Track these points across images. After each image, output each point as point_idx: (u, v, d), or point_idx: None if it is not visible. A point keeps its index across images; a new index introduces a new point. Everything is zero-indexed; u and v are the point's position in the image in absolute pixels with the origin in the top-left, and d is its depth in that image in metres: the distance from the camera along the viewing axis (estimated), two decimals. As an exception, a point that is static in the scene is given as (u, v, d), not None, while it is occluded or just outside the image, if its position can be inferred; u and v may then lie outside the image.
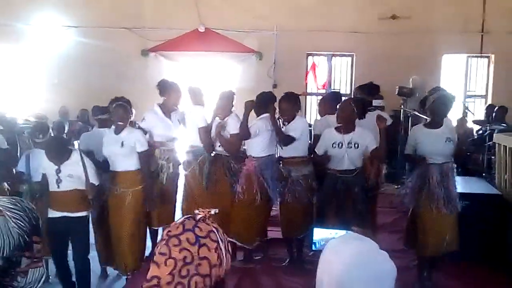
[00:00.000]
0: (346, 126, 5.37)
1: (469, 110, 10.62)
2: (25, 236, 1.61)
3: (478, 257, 5.84)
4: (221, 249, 1.57)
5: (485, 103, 11.98)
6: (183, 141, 6.30)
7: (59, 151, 4.86)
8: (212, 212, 1.61)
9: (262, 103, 6.02)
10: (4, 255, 1.56)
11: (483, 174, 8.20)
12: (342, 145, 5.32)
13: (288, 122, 5.77)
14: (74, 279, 5.15)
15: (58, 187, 4.89)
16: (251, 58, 12.24)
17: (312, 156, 5.78)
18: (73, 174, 4.89)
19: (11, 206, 1.63)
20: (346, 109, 5.39)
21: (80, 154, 5.00)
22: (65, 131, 7.49)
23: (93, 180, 5.01)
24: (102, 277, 5.90)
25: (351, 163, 5.34)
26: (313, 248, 3.95)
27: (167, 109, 6.11)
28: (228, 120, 5.89)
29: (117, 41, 12.08)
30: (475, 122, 10.26)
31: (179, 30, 12.16)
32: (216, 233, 1.58)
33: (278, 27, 12.10)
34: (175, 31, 12.15)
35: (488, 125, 9.16)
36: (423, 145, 5.26)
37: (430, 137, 5.22)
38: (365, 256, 2.01)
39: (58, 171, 4.85)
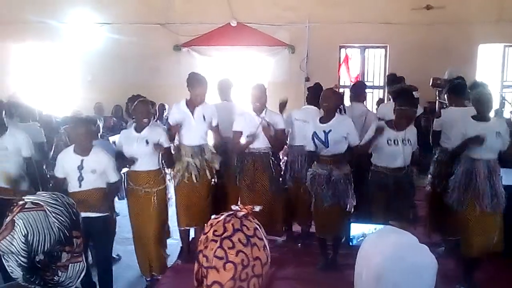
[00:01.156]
0: (404, 124, 5.14)
1: (506, 101, 10.39)
2: (65, 231, 1.63)
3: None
4: (266, 246, 1.56)
5: (523, 93, 11.75)
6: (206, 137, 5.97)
7: (87, 133, 4.75)
8: (257, 209, 1.58)
9: (314, 94, 6.25)
10: (45, 249, 1.58)
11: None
12: (398, 142, 5.11)
13: (328, 118, 5.43)
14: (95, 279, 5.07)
15: (80, 185, 4.75)
16: (283, 51, 12.24)
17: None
18: (96, 168, 4.76)
19: (52, 202, 1.64)
20: (411, 111, 5.13)
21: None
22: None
23: (112, 176, 4.90)
24: None
25: (404, 161, 5.14)
26: (351, 243, 3.91)
27: (192, 103, 5.75)
28: (268, 116, 5.70)
29: (149, 37, 12.20)
30: (513, 112, 10.06)
31: (211, 25, 12.20)
32: (260, 229, 1.56)
33: (310, 19, 12.05)
34: (207, 26, 12.20)
35: (526, 115, 8.96)
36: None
37: (480, 130, 4.93)
38: (405, 249, 1.98)
39: (81, 167, 4.72)
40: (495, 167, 5.03)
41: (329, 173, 5.39)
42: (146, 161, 5.32)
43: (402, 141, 5.11)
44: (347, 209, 5.44)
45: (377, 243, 2.05)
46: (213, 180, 5.95)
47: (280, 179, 6.05)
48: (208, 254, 1.50)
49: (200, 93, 5.70)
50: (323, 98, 5.49)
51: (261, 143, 5.72)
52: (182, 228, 5.93)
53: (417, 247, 2.03)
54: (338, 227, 5.43)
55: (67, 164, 4.81)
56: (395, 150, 5.11)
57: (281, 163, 6.27)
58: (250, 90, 5.73)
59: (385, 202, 5.15)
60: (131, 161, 5.32)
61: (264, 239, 1.56)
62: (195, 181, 5.70)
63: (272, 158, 5.84)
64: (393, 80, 7.51)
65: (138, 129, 5.32)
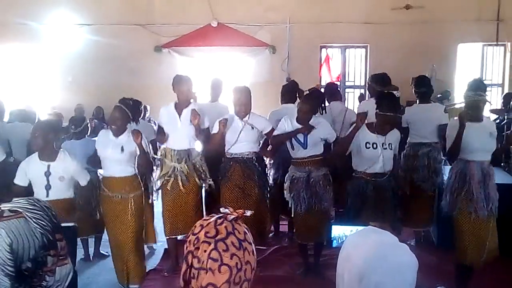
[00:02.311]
0: (386, 129, 5.00)
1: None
2: (48, 235, 1.61)
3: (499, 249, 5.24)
4: (254, 251, 1.57)
5: (502, 92, 11.84)
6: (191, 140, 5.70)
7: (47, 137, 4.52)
8: (248, 213, 1.59)
9: (289, 93, 6.44)
10: (30, 256, 1.56)
11: (501, 164, 8.10)
12: (377, 146, 4.92)
13: (306, 121, 5.26)
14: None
15: (47, 194, 4.48)
16: (264, 51, 12.22)
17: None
18: (64, 175, 4.56)
19: (30, 207, 1.62)
20: (394, 117, 4.95)
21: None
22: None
23: (82, 180, 4.74)
24: None
25: (383, 166, 4.96)
26: (332, 245, 3.91)
27: (179, 105, 5.56)
28: (251, 119, 5.45)
29: (130, 38, 12.11)
30: (492, 111, 10.11)
31: (192, 25, 12.14)
32: (248, 234, 1.58)
33: (290, 19, 12.05)
34: (188, 27, 12.14)
35: (506, 114, 9.02)
36: (464, 140, 4.78)
37: (473, 131, 4.78)
38: (385, 248, 1.99)
39: (48, 173, 4.49)
40: (488, 169, 4.87)
41: (307, 175, 5.25)
42: (121, 168, 5.05)
43: (382, 145, 4.93)
44: (327, 213, 5.35)
45: (358, 243, 2.06)
46: (204, 185, 5.72)
47: (266, 187, 5.73)
48: (200, 255, 1.49)
49: (184, 93, 5.54)
50: (301, 112, 5.30)
51: (243, 148, 5.46)
52: (168, 237, 5.70)
53: (397, 246, 2.04)
54: (319, 232, 5.28)
55: (32, 171, 4.56)
56: (374, 154, 4.94)
57: (266, 167, 6.01)
58: (233, 93, 5.47)
59: (363, 209, 4.97)
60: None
61: (252, 244, 1.57)
62: (181, 187, 5.47)
63: (256, 163, 5.54)
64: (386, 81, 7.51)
65: (116, 134, 5.05)
